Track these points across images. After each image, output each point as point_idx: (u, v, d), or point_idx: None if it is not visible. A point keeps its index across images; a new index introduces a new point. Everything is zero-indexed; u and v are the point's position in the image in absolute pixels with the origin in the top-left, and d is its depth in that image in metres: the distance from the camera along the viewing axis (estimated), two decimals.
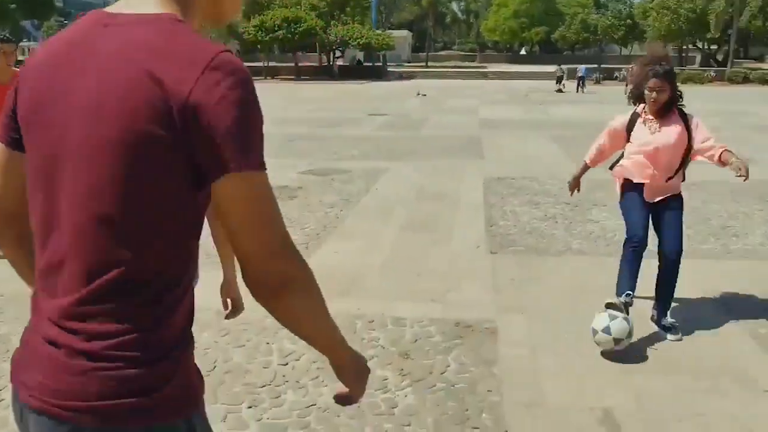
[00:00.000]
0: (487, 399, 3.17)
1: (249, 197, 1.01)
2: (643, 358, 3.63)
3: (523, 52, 76.06)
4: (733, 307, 4.37)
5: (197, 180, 1.00)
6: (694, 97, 29.57)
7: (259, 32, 44.59)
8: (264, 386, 3.28)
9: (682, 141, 3.86)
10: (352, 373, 1.29)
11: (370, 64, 51.22)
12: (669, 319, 3.92)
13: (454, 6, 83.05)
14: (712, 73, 42.68)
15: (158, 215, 1.02)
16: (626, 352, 3.59)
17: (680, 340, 3.81)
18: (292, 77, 46.26)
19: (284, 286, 1.05)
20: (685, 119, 3.89)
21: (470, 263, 5.28)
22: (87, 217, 1.01)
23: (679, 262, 3.88)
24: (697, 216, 6.84)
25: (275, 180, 5.75)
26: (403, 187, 8.44)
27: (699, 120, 3.92)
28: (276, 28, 44.14)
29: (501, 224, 6.52)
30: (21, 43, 61.35)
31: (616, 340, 3.55)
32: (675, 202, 3.98)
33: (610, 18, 52.68)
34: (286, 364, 3.52)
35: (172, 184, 1.00)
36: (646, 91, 3.81)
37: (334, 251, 5.65)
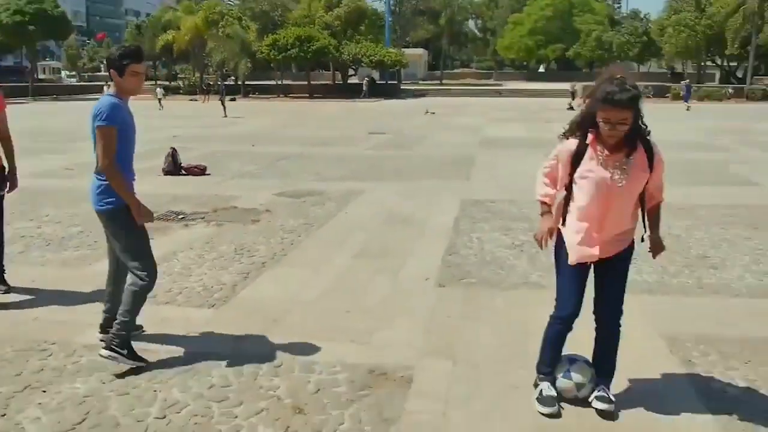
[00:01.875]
0: None
1: None
2: (575, 419, 3.21)
3: (541, 69, 75.56)
4: (689, 353, 3.93)
5: None
6: (706, 114, 29.14)
7: (272, 51, 44.72)
8: None
9: (644, 182, 3.03)
10: None
11: (384, 82, 51.13)
12: (605, 395, 3.18)
13: (471, 24, 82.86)
14: (730, 90, 41.81)
15: None
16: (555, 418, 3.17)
17: (612, 413, 3.15)
18: (306, 95, 46.29)
19: None
20: (650, 151, 3.00)
21: (411, 298, 4.89)
22: None
23: (620, 326, 3.24)
24: (677, 244, 6.38)
25: (243, 203, 5.47)
26: (373, 210, 8.09)
27: (662, 155, 3.04)
28: (289, 47, 44.21)
29: (461, 253, 6.12)
30: (41, 62, 62.56)
31: (579, 386, 3.21)
32: (622, 262, 3.18)
33: (625, 35, 52.04)
34: (164, 417, 3.16)
35: None
36: (600, 122, 2.89)
37: (272, 282, 5.30)
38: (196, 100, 41.06)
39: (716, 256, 6.06)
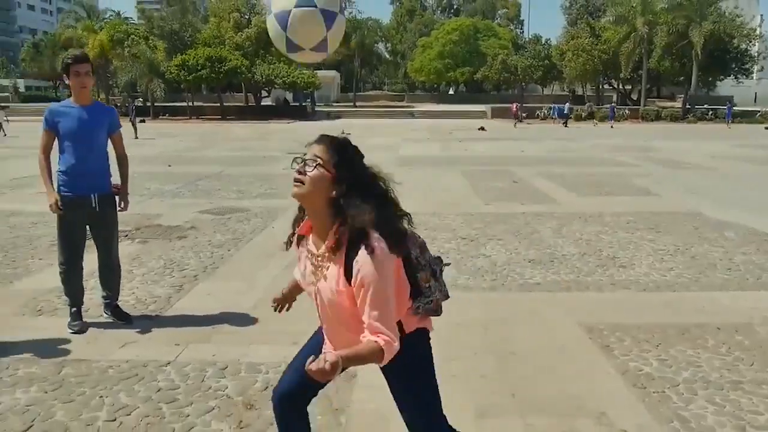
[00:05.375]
0: None
1: None
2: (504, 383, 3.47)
3: (451, 92, 77.83)
4: (606, 340, 4.30)
5: None
6: (607, 132, 30.95)
7: (182, 71, 43.87)
8: None
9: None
10: None
11: (297, 103, 51.20)
12: None
13: (381, 47, 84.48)
14: (627, 111, 44.72)
15: None
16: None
17: None
18: (218, 116, 45.65)
19: None
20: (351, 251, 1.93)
21: None
22: None
23: None
24: (589, 248, 6.89)
25: (167, 220, 5.48)
26: None
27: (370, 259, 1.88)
28: (199, 68, 43.55)
29: None
30: None
31: None
32: (397, 375, 2.28)
33: (528, 59, 54.63)
34: (114, 419, 3.18)
35: None
36: None
37: (207, 293, 5.32)
38: None
39: (624, 256, 6.58)
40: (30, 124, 39.82)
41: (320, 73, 54.72)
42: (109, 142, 4.51)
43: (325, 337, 2.22)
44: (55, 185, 4.33)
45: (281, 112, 47.17)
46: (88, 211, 4.35)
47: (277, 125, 38.06)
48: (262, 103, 50.54)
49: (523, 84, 59.10)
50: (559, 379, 3.69)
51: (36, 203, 9.82)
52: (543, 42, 61.64)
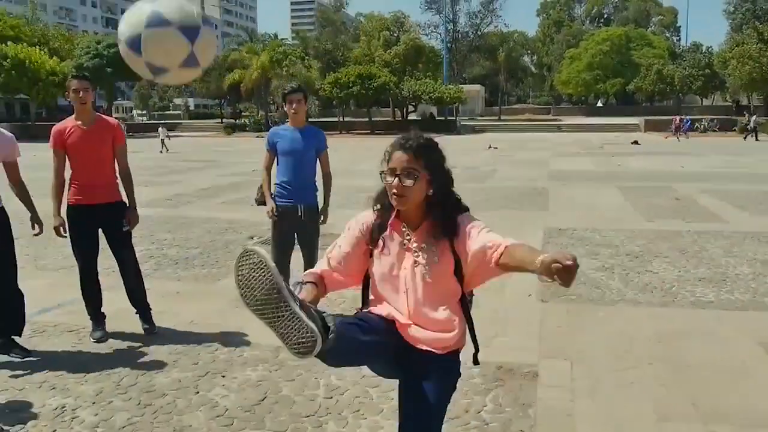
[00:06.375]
0: None
1: None
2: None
3: (599, 104, 75.30)
4: None
5: None
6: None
7: (335, 89, 46.29)
8: (308, 416, 3.50)
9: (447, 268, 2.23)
10: None
11: (443, 118, 52.02)
12: None
13: (527, 59, 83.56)
14: None
15: None
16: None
17: None
18: (367, 131, 47.51)
19: None
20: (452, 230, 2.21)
21: (519, 311, 5.37)
22: None
23: None
24: (766, 269, 6.68)
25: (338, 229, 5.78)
26: None
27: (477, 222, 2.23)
28: (350, 85, 45.71)
29: None
30: (116, 102, 66.15)
31: None
32: (436, 371, 2.22)
33: (687, 68, 51.61)
34: (331, 398, 3.73)
35: None
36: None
37: None
38: (262, 137, 42.67)
39: None
40: (194, 138, 43.84)
41: (465, 87, 55.28)
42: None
43: (404, 319, 2.25)
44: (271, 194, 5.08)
45: (427, 126, 48.12)
46: (297, 220, 5.02)
47: None
48: (408, 118, 51.91)
49: (681, 95, 55.87)
50: (741, 393, 3.77)
51: (224, 211, 11.05)
52: (703, 50, 57.96)
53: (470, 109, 62.06)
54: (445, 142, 2.42)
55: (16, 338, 4.47)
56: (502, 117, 61.06)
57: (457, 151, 28.17)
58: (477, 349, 2.37)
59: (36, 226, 4.56)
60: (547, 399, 3.69)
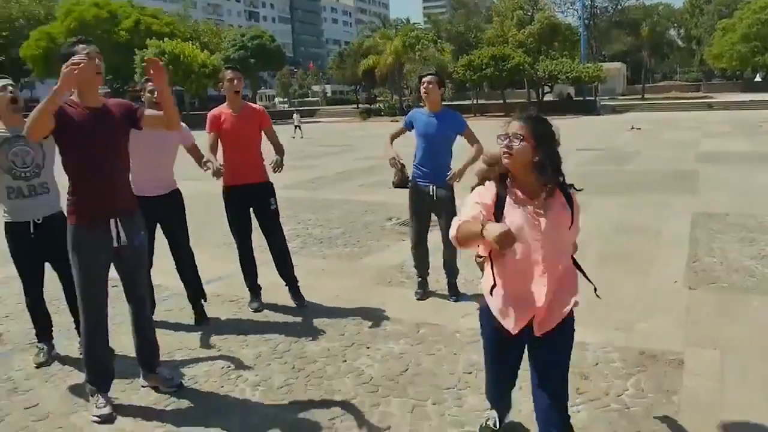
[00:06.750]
0: (662, 425, 3.22)
1: None
2: None
3: (757, 78, 68.81)
4: None
5: None
6: None
7: (468, 71, 45.90)
8: (448, 389, 3.66)
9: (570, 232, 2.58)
10: None
11: (581, 98, 50.00)
12: None
13: (673, 33, 78.04)
14: None
15: None
16: None
17: None
18: (502, 113, 46.76)
19: None
20: (569, 198, 2.55)
21: (664, 297, 5.19)
22: None
23: None
24: None
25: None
26: (602, 219, 8.34)
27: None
28: (483, 67, 45.12)
29: (705, 260, 6.25)
30: (259, 91, 69.90)
31: None
32: (563, 338, 2.62)
33: None
34: (471, 372, 3.87)
35: None
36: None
37: None
38: (397, 121, 43.32)
39: None
40: (329, 124, 45.33)
41: (604, 65, 52.75)
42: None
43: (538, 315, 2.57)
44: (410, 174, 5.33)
45: (564, 107, 46.52)
46: (430, 199, 5.18)
47: (560, 122, 37.43)
48: (544, 99, 50.46)
49: None
50: None
51: (362, 194, 11.47)
52: None
53: (610, 89, 59.06)
54: (583, 123, 2.50)
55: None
56: (646, 96, 57.44)
57: (597, 132, 27.14)
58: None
59: (209, 163, 4.62)
60: (692, 387, 3.59)
